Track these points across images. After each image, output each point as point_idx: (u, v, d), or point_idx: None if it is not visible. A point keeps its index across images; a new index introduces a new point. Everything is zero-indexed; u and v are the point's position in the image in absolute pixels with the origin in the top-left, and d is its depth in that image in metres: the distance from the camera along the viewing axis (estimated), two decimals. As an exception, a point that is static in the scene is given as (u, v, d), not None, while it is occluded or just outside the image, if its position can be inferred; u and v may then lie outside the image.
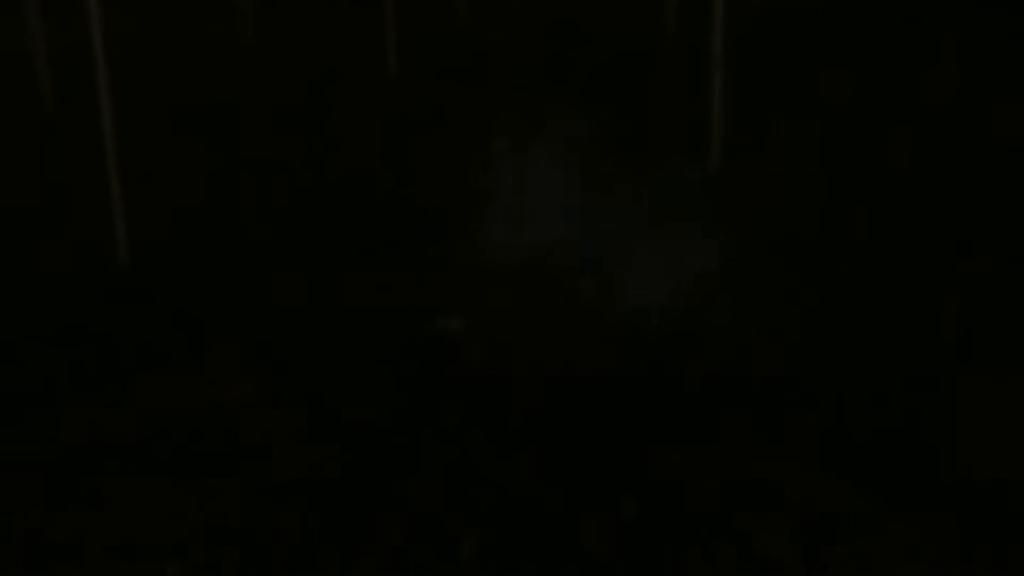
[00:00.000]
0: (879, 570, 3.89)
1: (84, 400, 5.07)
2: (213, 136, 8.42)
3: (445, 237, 6.55)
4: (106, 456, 4.65)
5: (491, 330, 5.56)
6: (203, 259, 6.43)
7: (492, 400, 4.95)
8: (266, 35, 10.17)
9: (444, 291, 5.97)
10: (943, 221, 6.48)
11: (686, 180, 6.93)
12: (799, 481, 4.34)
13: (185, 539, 4.15)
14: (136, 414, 4.95)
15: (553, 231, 6.56)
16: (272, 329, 5.64)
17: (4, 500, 4.39)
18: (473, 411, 4.87)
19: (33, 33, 8.31)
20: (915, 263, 6.03)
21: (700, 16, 9.42)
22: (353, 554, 4.05)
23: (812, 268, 6.07)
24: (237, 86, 9.39)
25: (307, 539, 4.14)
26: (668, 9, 9.12)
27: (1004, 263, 5.95)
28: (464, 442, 4.66)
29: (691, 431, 4.68)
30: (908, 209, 6.63)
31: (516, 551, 4.05)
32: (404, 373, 5.19)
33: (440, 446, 4.64)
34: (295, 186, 7.40)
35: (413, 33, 10.45)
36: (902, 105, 7.76)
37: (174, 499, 4.38)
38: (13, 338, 5.60)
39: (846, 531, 4.07)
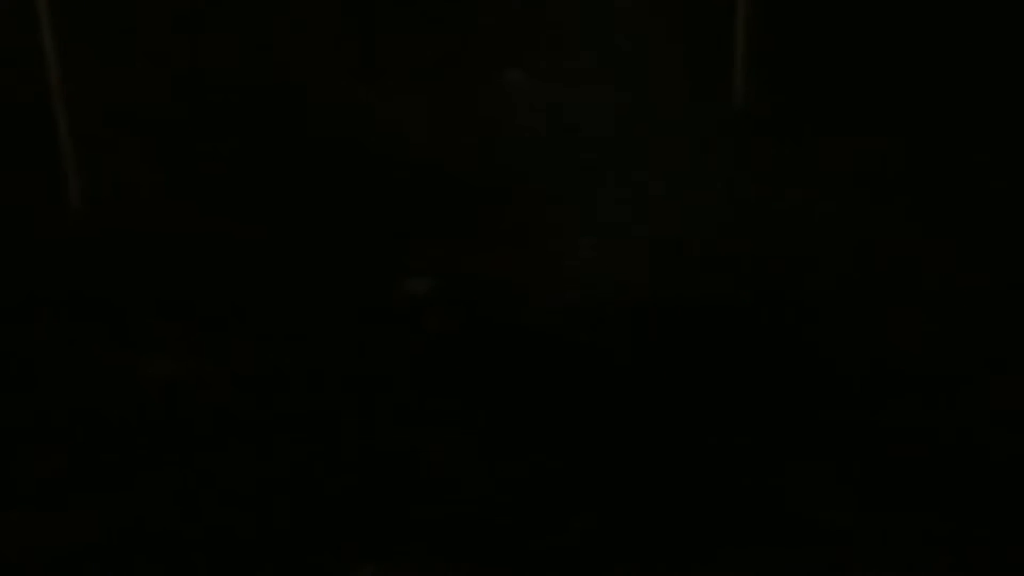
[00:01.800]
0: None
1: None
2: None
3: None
4: (40, 443, 4.43)
5: (465, 297, 5.33)
6: (155, 222, 6.10)
7: (461, 383, 4.75)
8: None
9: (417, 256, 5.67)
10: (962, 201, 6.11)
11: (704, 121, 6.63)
12: (804, 486, 4.23)
13: (119, 543, 3.98)
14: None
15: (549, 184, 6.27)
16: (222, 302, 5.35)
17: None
18: (439, 395, 4.68)
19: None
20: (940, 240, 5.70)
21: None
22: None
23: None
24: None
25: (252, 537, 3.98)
26: None
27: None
28: (427, 431, 4.47)
29: (688, 428, 4.53)
30: (929, 175, 6.26)
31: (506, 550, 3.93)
32: (365, 348, 4.95)
33: (397, 432, 4.46)
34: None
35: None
36: (945, 59, 7.42)
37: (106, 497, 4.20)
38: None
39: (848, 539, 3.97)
